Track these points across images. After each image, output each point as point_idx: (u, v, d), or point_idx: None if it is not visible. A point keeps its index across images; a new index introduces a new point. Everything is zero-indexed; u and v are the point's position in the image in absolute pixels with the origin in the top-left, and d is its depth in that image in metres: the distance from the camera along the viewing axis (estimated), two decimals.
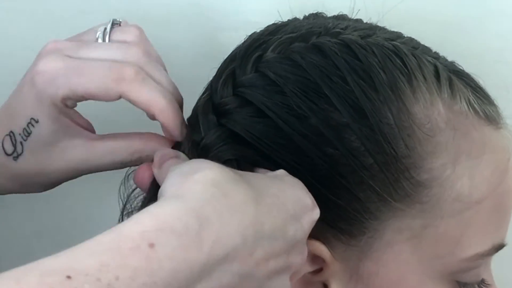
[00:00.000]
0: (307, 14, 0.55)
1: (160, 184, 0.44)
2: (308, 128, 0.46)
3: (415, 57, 0.48)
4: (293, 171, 0.45)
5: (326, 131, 0.45)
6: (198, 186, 0.38)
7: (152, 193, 0.48)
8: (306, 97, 0.46)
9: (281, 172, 0.45)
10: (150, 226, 0.35)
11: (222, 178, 0.39)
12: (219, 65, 0.51)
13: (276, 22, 0.55)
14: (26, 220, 0.70)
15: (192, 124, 0.50)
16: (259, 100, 0.47)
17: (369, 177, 0.45)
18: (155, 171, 0.47)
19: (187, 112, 0.52)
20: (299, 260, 0.44)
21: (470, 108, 0.48)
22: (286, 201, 0.42)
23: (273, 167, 0.46)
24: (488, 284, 0.50)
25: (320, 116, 0.46)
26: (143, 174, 0.49)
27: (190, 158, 0.48)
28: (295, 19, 0.54)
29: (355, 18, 0.54)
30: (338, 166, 0.45)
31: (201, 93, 0.52)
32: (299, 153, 0.46)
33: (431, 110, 0.47)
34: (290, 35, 0.49)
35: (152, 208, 0.37)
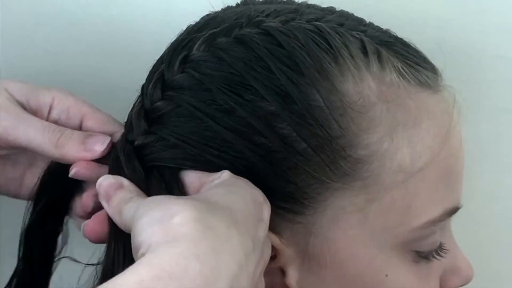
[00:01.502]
0: (238, 2, 0.55)
1: (114, 220, 0.45)
2: (236, 121, 0.46)
3: (339, 35, 0.48)
4: (223, 164, 0.46)
5: (255, 121, 0.46)
6: (184, 229, 0.39)
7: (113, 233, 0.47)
8: (232, 91, 0.46)
9: (226, 175, 0.45)
10: (147, 275, 0.36)
11: (199, 212, 0.39)
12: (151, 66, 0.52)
13: (210, 12, 0.55)
14: None
15: (127, 129, 0.50)
16: (186, 101, 0.47)
17: (304, 162, 0.46)
18: (105, 205, 0.46)
19: None
20: (269, 254, 0.45)
21: (401, 77, 0.48)
22: (249, 208, 0.43)
23: (204, 166, 0.46)
24: (446, 250, 0.50)
25: (247, 108, 0.46)
26: (88, 202, 0.50)
27: (125, 159, 0.48)
28: (227, 8, 0.54)
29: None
30: (270, 154, 0.46)
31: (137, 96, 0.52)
32: (229, 147, 0.46)
33: (361, 86, 0.47)
34: (214, 30, 0.49)
35: (145, 259, 0.37)
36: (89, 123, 0.52)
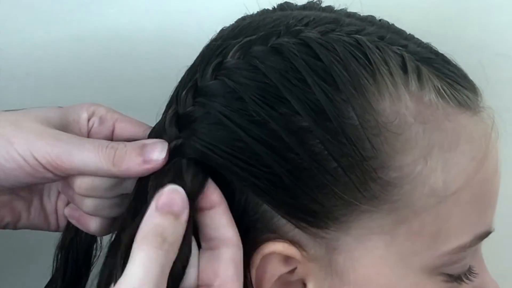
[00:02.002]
0: (275, 6, 0.53)
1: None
2: (267, 134, 0.45)
3: (379, 50, 0.46)
4: (250, 177, 0.45)
5: (286, 136, 0.44)
6: None
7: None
8: (266, 103, 0.45)
9: None
10: None
11: None
12: (184, 73, 0.51)
13: (245, 15, 0.53)
14: None
15: (158, 132, 0.49)
16: (217, 109, 0.46)
17: (332, 182, 0.44)
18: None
19: None
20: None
21: (440, 98, 0.46)
22: None
23: (229, 175, 0.45)
24: (475, 274, 0.49)
25: (279, 121, 0.45)
26: None
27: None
28: (263, 13, 0.53)
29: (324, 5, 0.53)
30: (298, 171, 0.45)
31: (169, 98, 0.51)
32: (257, 160, 0.45)
33: (398, 105, 0.45)
34: (250, 37, 0.47)
35: None
36: (121, 125, 0.51)
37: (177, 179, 0.44)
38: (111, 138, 0.51)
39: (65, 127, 0.50)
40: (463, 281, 0.48)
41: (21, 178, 0.48)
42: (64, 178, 0.49)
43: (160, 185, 0.44)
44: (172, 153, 0.47)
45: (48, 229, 0.55)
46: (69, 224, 0.54)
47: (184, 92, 0.48)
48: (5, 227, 0.53)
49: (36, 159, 0.47)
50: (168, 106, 0.51)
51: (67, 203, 0.54)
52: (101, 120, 0.51)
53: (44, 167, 0.47)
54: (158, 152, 0.47)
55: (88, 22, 0.67)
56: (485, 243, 0.51)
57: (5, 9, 0.66)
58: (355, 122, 0.44)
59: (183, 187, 0.44)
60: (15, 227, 0.54)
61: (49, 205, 0.54)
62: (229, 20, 0.53)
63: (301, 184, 0.45)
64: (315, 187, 0.45)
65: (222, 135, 0.46)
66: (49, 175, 0.48)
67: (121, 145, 0.48)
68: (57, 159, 0.47)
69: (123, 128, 0.51)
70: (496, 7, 0.66)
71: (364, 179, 0.44)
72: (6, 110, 0.50)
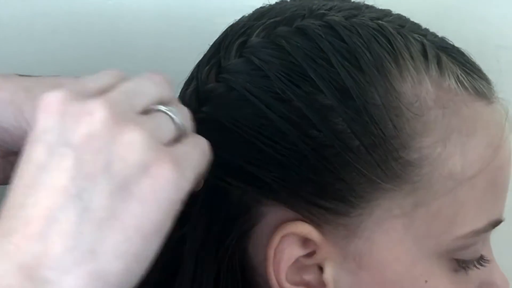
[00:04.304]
0: None
1: None
2: (291, 111, 0.45)
3: (401, 36, 0.47)
4: (274, 154, 0.45)
5: (310, 113, 0.45)
6: None
7: None
8: (290, 81, 0.46)
9: None
10: None
11: None
12: (206, 52, 0.51)
13: (264, 5, 0.54)
14: None
15: None
16: (242, 85, 0.46)
17: (355, 160, 0.45)
18: None
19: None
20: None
21: (459, 84, 0.47)
22: None
23: (252, 152, 0.46)
24: (487, 260, 0.50)
25: (304, 99, 0.45)
26: None
27: None
28: (282, 2, 0.54)
29: None
30: (322, 148, 0.45)
31: (187, 78, 0.52)
32: (282, 137, 0.45)
33: (419, 89, 0.46)
34: (275, 19, 0.48)
35: None
36: None
37: None
38: None
39: None
40: (475, 266, 0.49)
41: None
42: None
43: None
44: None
45: None
46: None
47: (206, 69, 0.48)
48: None
49: None
50: (188, 84, 0.51)
51: None
52: None
53: None
54: None
55: (85, 15, 0.67)
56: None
57: (2, 5, 0.66)
58: (378, 102, 0.45)
59: None
60: None
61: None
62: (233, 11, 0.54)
63: (325, 161, 0.45)
64: (338, 165, 0.45)
65: (247, 111, 0.46)
66: None
67: None
68: None
69: None
70: None
71: (386, 157, 0.45)
72: (20, 75, 0.49)
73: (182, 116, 0.42)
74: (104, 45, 0.68)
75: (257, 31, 0.48)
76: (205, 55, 0.51)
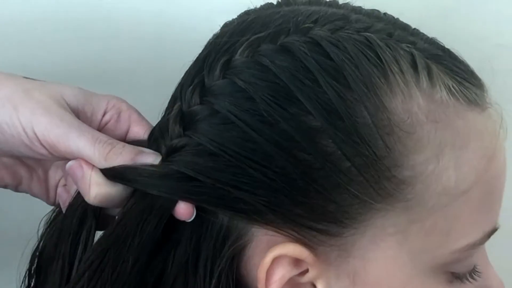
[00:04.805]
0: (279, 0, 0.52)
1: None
2: (278, 134, 0.44)
3: (390, 48, 0.46)
4: (262, 178, 0.44)
5: (298, 136, 0.44)
6: None
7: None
8: (276, 103, 0.44)
9: None
10: None
11: None
12: (188, 67, 0.49)
13: (248, 10, 0.52)
14: None
15: (162, 129, 0.48)
16: (226, 108, 0.45)
17: (346, 182, 0.44)
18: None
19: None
20: None
21: (451, 96, 0.46)
22: None
23: (239, 177, 0.45)
24: (479, 272, 0.49)
25: (291, 121, 0.44)
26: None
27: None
28: (267, 7, 0.52)
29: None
30: (312, 171, 0.44)
31: (172, 94, 0.50)
32: (270, 161, 0.44)
33: (410, 104, 0.45)
34: (258, 35, 0.47)
35: None
36: (135, 128, 0.52)
37: None
38: (124, 138, 0.51)
39: (77, 110, 0.50)
40: (467, 280, 0.48)
41: (18, 146, 0.48)
42: (59, 159, 0.49)
43: None
44: (173, 151, 0.46)
45: (47, 201, 0.55)
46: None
47: (190, 89, 0.47)
48: (5, 187, 0.54)
49: (35, 133, 0.48)
50: (172, 103, 0.50)
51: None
52: (119, 118, 0.52)
53: (41, 143, 0.48)
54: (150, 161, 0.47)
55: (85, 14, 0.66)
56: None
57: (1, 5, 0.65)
58: (368, 121, 0.44)
59: None
60: (16, 190, 0.54)
61: (52, 180, 0.54)
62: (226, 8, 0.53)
63: (315, 184, 0.44)
64: (329, 187, 0.44)
65: (233, 135, 0.45)
66: (44, 151, 0.48)
67: (119, 144, 0.48)
68: (55, 139, 0.47)
69: (136, 133, 0.52)
70: None
71: (378, 177, 0.44)
72: (25, 77, 0.50)
73: None
74: (103, 45, 0.67)
75: (241, 49, 0.46)
76: (188, 73, 0.49)
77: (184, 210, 0.45)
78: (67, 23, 0.67)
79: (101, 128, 0.52)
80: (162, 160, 0.47)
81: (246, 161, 0.45)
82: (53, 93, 0.49)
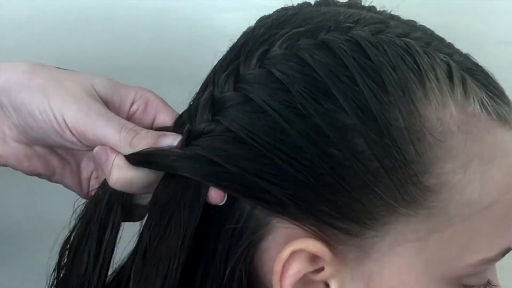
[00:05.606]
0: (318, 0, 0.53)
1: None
2: (311, 127, 0.44)
3: (428, 56, 0.46)
4: (290, 170, 0.44)
5: (330, 132, 0.44)
6: None
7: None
8: (312, 97, 0.44)
9: None
10: None
11: None
12: (223, 55, 0.49)
13: (285, 6, 0.52)
14: None
15: (191, 114, 0.49)
16: (261, 97, 0.45)
17: (374, 182, 0.44)
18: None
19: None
20: None
21: (483, 109, 0.46)
22: None
23: (267, 167, 0.45)
24: (494, 286, 0.49)
25: (325, 116, 0.44)
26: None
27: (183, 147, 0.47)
28: (306, 6, 0.52)
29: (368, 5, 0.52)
30: (340, 168, 0.44)
31: (204, 80, 0.50)
32: (299, 154, 0.44)
33: (443, 112, 0.45)
34: (298, 29, 0.47)
35: None
36: (162, 116, 0.53)
37: None
38: (151, 126, 0.52)
39: (107, 99, 0.52)
40: None
41: (50, 133, 0.50)
42: (89, 148, 0.50)
43: None
44: (199, 135, 0.47)
45: (80, 194, 0.55)
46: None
47: (224, 75, 0.47)
48: (38, 175, 0.55)
49: (65, 120, 0.49)
50: (203, 88, 0.50)
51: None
52: (146, 107, 0.53)
53: (70, 131, 0.49)
54: (170, 143, 0.48)
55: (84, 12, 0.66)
56: None
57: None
58: (401, 125, 0.44)
59: None
60: (49, 180, 0.55)
61: (85, 172, 0.55)
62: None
63: (343, 181, 0.44)
64: (356, 186, 0.44)
65: (264, 124, 0.45)
66: (74, 139, 0.50)
67: (144, 130, 0.49)
68: (83, 127, 0.49)
69: (162, 120, 0.53)
70: None
71: (405, 182, 0.44)
72: (57, 67, 0.52)
73: None
74: (103, 42, 0.67)
75: (279, 41, 0.46)
76: (223, 60, 0.49)
77: (216, 194, 0.45)
78: (66, 21, 0.66)
79: (129, 118, 0.53)
80: (187, 144, 0.47)
81: (275, 151, 0.44)
82: (84, 82, 0.51)
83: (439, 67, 0.46)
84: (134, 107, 0.53)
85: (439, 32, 0.50)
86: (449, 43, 0.50)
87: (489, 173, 0.46)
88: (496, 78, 0.50)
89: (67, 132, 0.49)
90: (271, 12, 0.52)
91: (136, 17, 0.67)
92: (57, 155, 0.55)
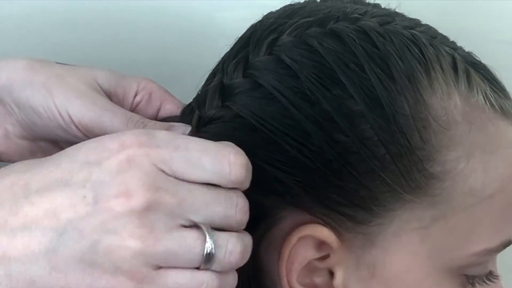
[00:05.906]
0: None
1: None
2: (319, 113, 0.45)
3: (433, 47, 0.47)
4: (298, 156, 0.45)
5: (338, 117, 0.45)
6: None
7: None
8: (320, 83, 0.45)
9: None
10: None
11: None
12: (232, 44, 0.50)
13: (292, 2, 0.54)
14: None
15: (199, 101, 0.49)
16: (270, 83, 0.46)
17: (380, 168, 0.45)
18: None
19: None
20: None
21: (486, 101, 0.47)
22: None
23: (276, 153, 0.45)
24: (496, 276, 0.50)
25: (333, 102, 0.45)
26: None
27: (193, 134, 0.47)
28: (313, 1, 0.53)
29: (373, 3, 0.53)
30: (348, 154, 0.45)
31: (212, 70, 0.51)
32: (307, 139, 0.45)
33: (448, 102, 0.46)
34: (307, 19, 0.48)
35: None
36: (167, 106, 0.53)
37: None
38: (155, 117, 0.52)
39: (110, 92, 0.52)
40: (484, 282, 0.49)
41: (55, 129, 0.50)
42: None
43: None
44: (208, 121, 0.47)
45: None
46: None
47: (233, 63, 0.48)
48: None
49: (70, 116, 0.49)
50: (212, 76, 0.50)
51: None
52: (150, 98, 0.53)
53: (76, 126, 0.49)
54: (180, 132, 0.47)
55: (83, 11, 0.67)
56: None
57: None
58: (407, 112, 0.45)
59: None
60: None
61: None
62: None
63: (350, 167, 0.45)
64: (363, 172, 0.45)
65: (273, 110, 0.46)
66: (80, 134, 0.49)
67: (151, 122, 0.49)
68: (89, 122, 0.49)
69: (168, 110, 0.53)
70: None
71: (410, 168, 0.45)
72: (58, 62, 0.52)
73: (229, 250, 0.42)
74: (103, 41, 0.68)
75: (289, 30, 0.47)
76: (232, 49, 0.50)
77: None
78: (66, 21, 0.67)
79: (133, 109, 0.53)
80: (197, 131, 0.48)
81: (284, 137, 0.45)
82: (86, 77, 0.51)
83: (444, 58, 0.47)
84: (138, 98, 0.53)
85: (439, 31, 0.51)
86: (453, 41, 0.52)
87: (491, 163, 0.47)
88: (497, 75, 0.51)
89: (73, 127, 0.49)
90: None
91: (135, 15, 0.67)
92: (61, 149, 0.55)
